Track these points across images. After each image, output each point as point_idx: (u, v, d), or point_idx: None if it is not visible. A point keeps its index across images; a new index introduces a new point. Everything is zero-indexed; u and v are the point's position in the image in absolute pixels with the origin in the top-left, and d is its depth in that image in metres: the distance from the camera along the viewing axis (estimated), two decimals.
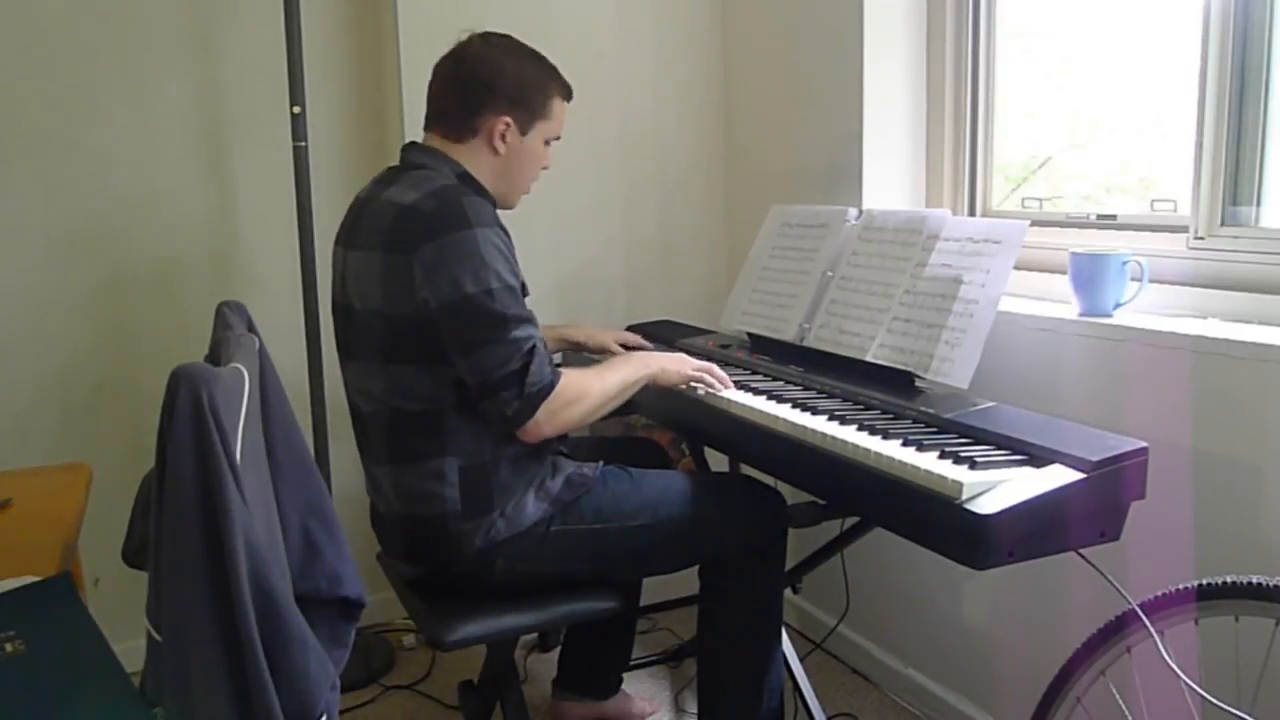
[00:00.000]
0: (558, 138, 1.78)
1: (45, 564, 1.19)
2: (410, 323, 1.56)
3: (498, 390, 1.53)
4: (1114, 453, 1.32)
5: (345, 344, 1.70)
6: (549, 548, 1.65)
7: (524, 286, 1.63)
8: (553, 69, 1.74)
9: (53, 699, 0.92)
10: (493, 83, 1.67)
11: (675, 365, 1.78)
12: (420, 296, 1.54)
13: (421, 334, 1.56)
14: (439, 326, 1.54)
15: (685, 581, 2.05)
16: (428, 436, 1.60)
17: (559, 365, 1.66)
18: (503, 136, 1.68)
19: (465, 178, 1.67)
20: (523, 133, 1.70)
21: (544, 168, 1.78)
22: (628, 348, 2.08)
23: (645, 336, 2.20)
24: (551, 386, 1.56)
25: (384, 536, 1.75)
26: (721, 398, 1.76)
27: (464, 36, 1.72)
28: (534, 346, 1.55)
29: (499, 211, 1.67)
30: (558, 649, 2.23)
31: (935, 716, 2.15)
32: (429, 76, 1.73)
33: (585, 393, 1.61)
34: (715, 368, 1.82)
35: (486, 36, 1.71)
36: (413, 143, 1.73)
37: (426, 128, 1.73)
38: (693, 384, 1.80)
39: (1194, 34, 1.66)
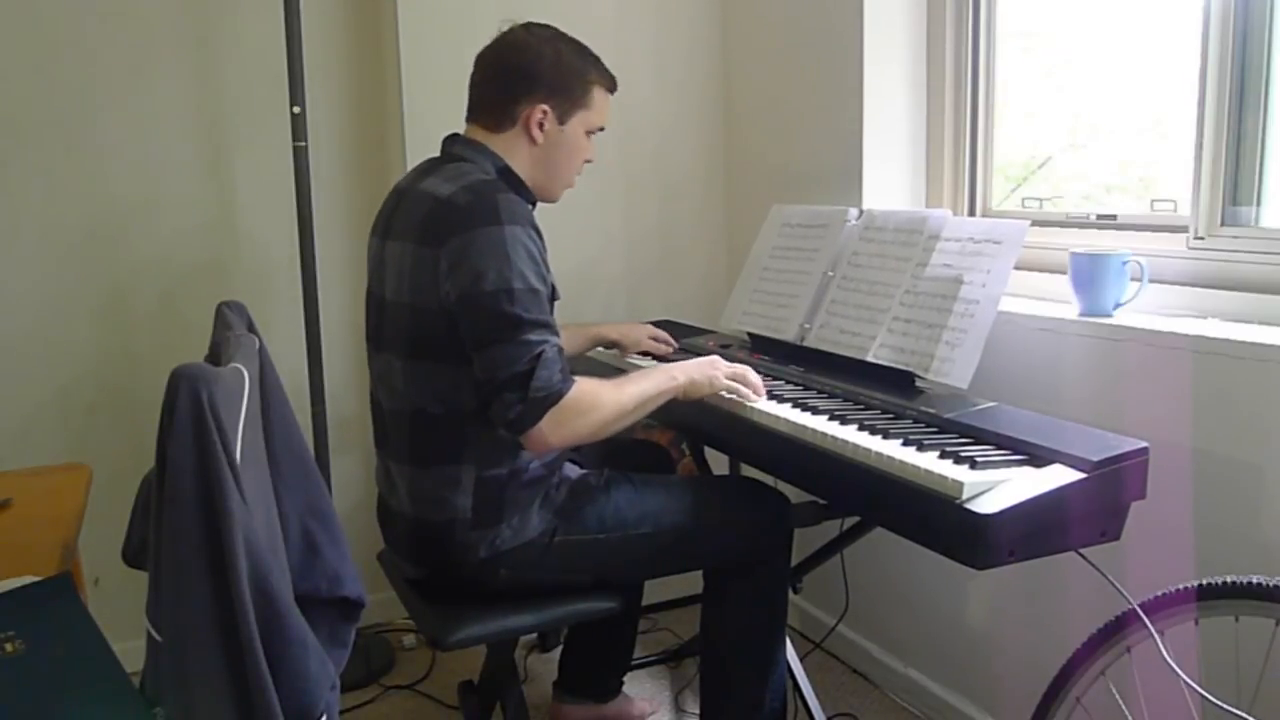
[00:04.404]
0: (601, 129, 1.75)
1: (45, 564, 1.19)
2: (434, 318, 1.54)
3: (502, 390, 1.49)
4: (1114, 452, 1.32)
5: (375, 335, 1.69)
6: (553, 557, 1.64)
7: (554, 290, 1.59)
8: (594, 58, 1.71)
9: (53, 699, 0.92)
10: (531, 70, 1.64)
11: (705, 375, 1.68)
12: (444, 290, 1.51)
13: (444, 330, 1.53)
14: (458, 321, 1.52)
15: (686, 581, 2.05)
16: (448, 441, 1.58)
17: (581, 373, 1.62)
18: (540, 125, 1.66)
19: (505, 172, 1.66)
20: (561, 121, 1.67)
21: (588, 160, 1.75)
22: (660, 350, 2.10)
23: None
24: (560, 395, 1.50)
25: (390, 533, 1.73)
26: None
27: (505, 28, 1.69)
28: (544, 352, 1.49)
29: (539, 205, 1.68)
30: (558, 649, 2.23)
31: (935, 716, 2.15)
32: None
33: (598, 404, 1.55)
34: (750, 373, 1.73)
35: (529, 26, 1.69)
36: (454, 134, 1.70)
37: (468, 119, 1.71)
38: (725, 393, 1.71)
39: (1194, 34, 1.66)
